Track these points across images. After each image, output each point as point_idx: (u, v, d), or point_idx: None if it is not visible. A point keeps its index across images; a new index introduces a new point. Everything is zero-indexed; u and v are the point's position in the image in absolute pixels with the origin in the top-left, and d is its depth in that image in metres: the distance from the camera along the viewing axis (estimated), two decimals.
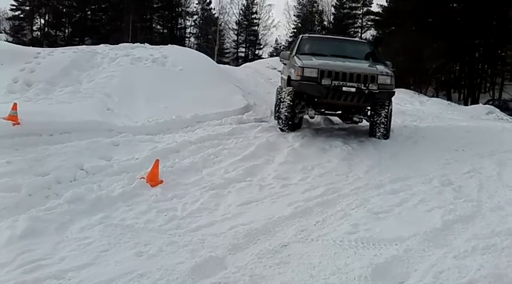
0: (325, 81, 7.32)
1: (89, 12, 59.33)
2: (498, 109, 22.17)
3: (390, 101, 7.97)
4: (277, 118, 8.08)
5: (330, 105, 8.08)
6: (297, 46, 9.26)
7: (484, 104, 24.81)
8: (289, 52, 9.44)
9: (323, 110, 8.40)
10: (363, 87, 7.27)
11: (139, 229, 4.26)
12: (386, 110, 7.87)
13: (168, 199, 5.04)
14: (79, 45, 14.38)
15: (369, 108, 8.13)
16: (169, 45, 13.41)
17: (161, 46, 13.29)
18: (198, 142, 6.95)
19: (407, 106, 21.41)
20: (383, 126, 7.84)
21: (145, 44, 13.70)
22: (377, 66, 7.86)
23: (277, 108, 8.04)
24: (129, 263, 3.62)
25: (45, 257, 3.66)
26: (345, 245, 3.90)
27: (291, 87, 7.93)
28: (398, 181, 5.66)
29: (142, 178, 5.40)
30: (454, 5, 36.36)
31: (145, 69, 10.79)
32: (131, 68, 10.69)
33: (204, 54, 13.59)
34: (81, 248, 3.85)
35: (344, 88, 7.28)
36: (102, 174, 5.57)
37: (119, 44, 13.40)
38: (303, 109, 8.12)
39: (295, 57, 8.37)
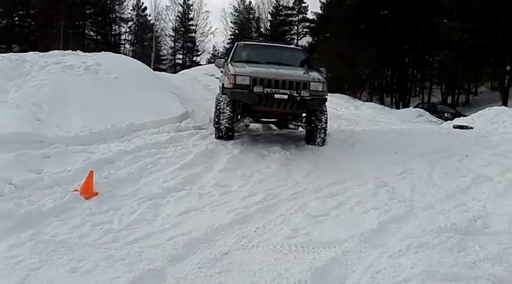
0: (257, 89, 7.32)
1: (16, 18, 56.55)
2: (427, 112, 23.30)
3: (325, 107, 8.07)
4: (217, 128, 7.97)
5: (265, 113, 8.05)
6: (232, 53, 9.25)
7: (415, 107, 25.97)
8: (223, 59, 9.41)
9: (259, 118, 8.37)
10: (295, 94, 7.29)
11: (72, 244, 4.07)
12: (326, 116, 8.01)
13: (104, 211, 4.86)
14: (6, 52, 13.61)
15: (304, 114, 8.22)
16: (102, 52, 13.01)
17: (94, 53, 12.87)
18: (135, 151, 6.78)
19: (343, 110, 22.10)
20: (323, 131, 7.94)
21: (78, 51, 13.22)
22: (310, 73, 7.90)
23: (216, 118, 7.92)
24: (63, 281, 3.45)
25: None
26: (285, 250, 3.92)
27: (227, 97, 7.86)
28: (335, 185, 5.77)
29: (76, 190, 5.18)
30: (385, 12, 37.87)
31: (77, 77, 10.39)
32: (62, 76, 10.26)
33: (139, 61, 13.31)
34: (9, 267, 3.62)
35: (276, 96, 7.29)
36: (32, 188, 5.29)
37: (49, 51, 12.84)
38: (239, 118, 8.12)
39: (229, 64, 8.30)
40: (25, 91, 9.16)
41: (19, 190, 5.22)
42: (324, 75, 8.15)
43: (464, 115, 20.83)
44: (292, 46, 10.47)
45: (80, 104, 9.13)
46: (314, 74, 7.83)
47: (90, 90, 9.80)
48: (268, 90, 7.30)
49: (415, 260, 3.41)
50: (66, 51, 12.79)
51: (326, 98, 7.70)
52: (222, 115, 7.82)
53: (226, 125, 7.84)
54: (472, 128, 13.20)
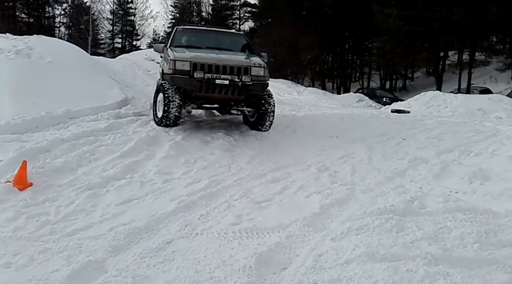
0: (198, 74, 7.22)
1: None
2: (367, 97, 23.95)
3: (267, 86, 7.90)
4: (165, 117, 7.62)
5: (207, 99, 7.90)
6: (171, 38, 9.00)
7: (355, 93, 26.61)
8: (163, 44, 9.12)
9: (201, 104, 8.19)
10: (236, 79, 7.24)
11: (6, 238, 3.87)
12: (273, 99, 8.03)
13: (40, 203, 4.64)
14: None
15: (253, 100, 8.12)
16: (35, 35, 12.34)
17: (26, 36, 12.18)
18: (72, 139, 6.49)
19: (286, 96, 22.26)
20: (272, 115, 7.94)
21: (7, 34, 12.49)
22: (251, 58, 7.84)
23: (166, 106, 7.58)
24: None
25: None
26: (229, 237, 3.90)
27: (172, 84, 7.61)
28: (278, 170, 5.81)
29: (8, 181, 4.91)
30: None
31: (7, 62, 9.79)
32: None
33: (75, 45, 12.75)
34: None
35: (217, 81, 7.22)
36: None
37: None
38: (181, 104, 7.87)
39: (169, 49, 8.10)
40: None
41: None
42: (265, 60, 8.14)
43: (401, 100, 21.60)
44: (233, 31, 10.34)
45: (11, 90, 8.63)
46: (255, 59, 7.78)
47: (22, 76, 9.28)
48: (209, 75, 7.20)
49: (356, 242, 3.49)
50: None
51: (267, 83, 7.69)
52: (171, 103, 7.54)
53: (176, 114, 7.60)
54: (409, 112, 13.71)
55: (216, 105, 8.38)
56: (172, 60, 7.42)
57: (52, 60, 10.39)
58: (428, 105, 15.62)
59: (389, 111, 14.37)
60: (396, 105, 16.83)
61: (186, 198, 4.76)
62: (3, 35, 12.16)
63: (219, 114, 9.22)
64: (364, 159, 6.33)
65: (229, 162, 6.17)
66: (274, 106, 8.02)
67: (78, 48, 12.53)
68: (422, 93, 17.28)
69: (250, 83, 7.33)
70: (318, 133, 7.94)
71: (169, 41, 8.88)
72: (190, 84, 7.31)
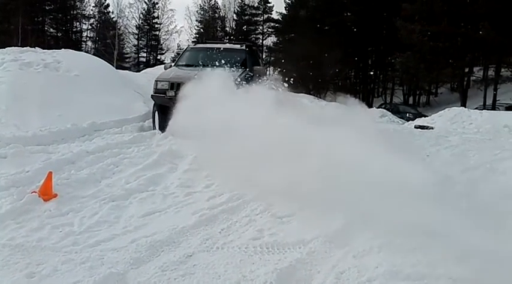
0: (169, 93, 8.37)
1: None
2: (390, 113, 23.74)
3: None
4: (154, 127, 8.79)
5: None
6: (179, 57, 10.18)
7: (378, 108, 26.43)
8: (170, 64, 10.46)
9: None
10: None
11: (30, 248, 3.93)
12: None
13: (64, 213, 4.71)
14: None
15: None
16: (62, 49, 12.65)
17: (54, 50, 12.50)
18: (96, 151, 6.60)
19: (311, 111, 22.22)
20: None
21: (36, 48, 12.82)
22: (232, 74, 8.43)
23: (153, 119, 9.03)
24: None
25: None
26: (250, 252, 3.89)
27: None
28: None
29: (34, 192, 5.00)
30: (348, 14, 38.39)
31: (36, 75, 10.10)
32: (20, 73, 9.94)
33: (101, 59, 13.03)
34: None
35: None
36: None
37: (6, 48, 12.40)
38: None
39: (169, 68, 9.36)
40: None
41: None
42: (258, 74, 8.94)
43: (425, 116, 21.33)
44: (237, 47, 10.56)
45: (39, 103, 8.87)
46: (234, 75, 8.38)
47: (49, 88, 9.54)
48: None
49: (379, 260, 3.44)
50: (24, 48, 12.37)
51: None
52: (156, 117, 8.81)
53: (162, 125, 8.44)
54: (432, 128, 13.54)
55: None
56: (155, 80, 8.74)
57: (79, 74, 10.65)
58: (453, 121, 15.39)
59: (413, 127, 14.22)
60: (420, 121, 16.62)
61: (208, 211, 4.76)
62: (33, 49, 12.47)
63: None
64: None
65: (249, 177, 6.13)
66: None
67: (104, 62, 12.82)
68: (446, 109, 17.05)
69: None
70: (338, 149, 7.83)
71: (176, 60, 10.12)
72: (165, 101, 8.35)
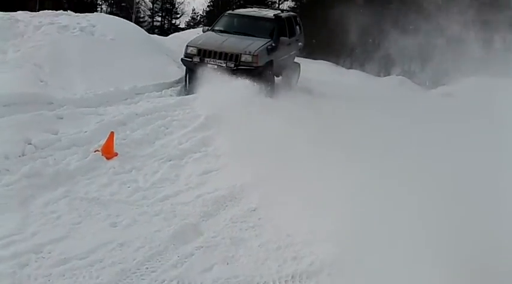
0: (195, 59, 9.03)
1: None
2: (409, 80, 23.66)
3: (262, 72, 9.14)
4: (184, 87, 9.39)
5: None
6: (216, 21, 10.78)
7: (397, 75, 26.27)
8: (207, 27, 10.88)
9: None
10: (222, 64, 8.83)
11: (105, 201, 4.30)
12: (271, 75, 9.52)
13: (127, 171, 5.05)
14: None
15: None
16: (95, 13, 12.83)
17: (86, 14, 12.66)
18: (145, 114, 6.86)
19: (328, 77, 22.26)
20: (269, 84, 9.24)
21: (69, 11, 13.01)
22: (254, 44, 9.14)
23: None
24: (106, 234, 3.69)
25: (17, 232, 3.62)
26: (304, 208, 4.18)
27: None
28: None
29: (97, 151, 5.34)
30: None
31: (74, 39, 10.25)
32: (59, 37, 10.10)
33: (133, 23, 13.20)
34: (51, 222, 3.85)
35: (208, 65, 8.87)
36: (51, 148, 5.39)
37: (40, 11, 12.62)
38: None
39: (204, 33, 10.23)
40: (24, 52, 9.05)
41: (39, 150, 5.32)
42: (273, 45, 9.56)
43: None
44: (269, 15, 10.74)
45: (79, 66, 9.08)
46: (253, 47, 9.07)
47: (88, 52, 9.72)
48: (204, 59, 8.95)
49: None
50: (58, 11, 12.55)
51: (255, 67, 8.94)
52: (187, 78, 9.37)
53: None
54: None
55: None
56: (186, 45, 9.36)
57: (114, 38, 10.80)
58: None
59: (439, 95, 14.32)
60: (440, 89, 16.68)
61: (263, 171, 5.04)
62: (66, 12, 12.65)
63: None
64: None
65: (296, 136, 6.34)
66: (270, 82, 9.31)
67: (136, 26, 12.98)
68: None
69: (234, 68, 8.78)
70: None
71: (213, 24, 10.70)
72: (190, 65, 9.09)
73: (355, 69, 34.36)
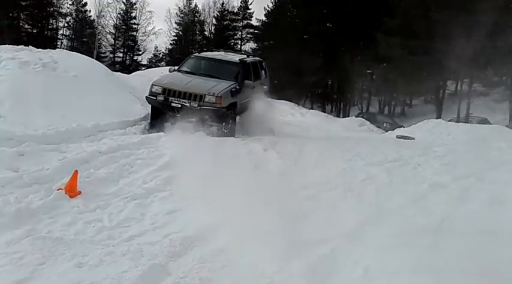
0: (159, 98, 9.28)
1: None
2: (368, 122, 24.44)
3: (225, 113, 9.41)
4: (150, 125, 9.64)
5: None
6: (183, 62, 11.12)
7: (356, 117, 27.13)
8: (174, 67, 11.30)
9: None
10: (186, 104, 9.11)
11: (70, 240, 4.20)
12: (232, 118, 9.75)
13: (91, 210, 4.97)
14: None
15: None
16: (57, 49, 12.75)
17: (48, 50, 12.59)
18: (109, 152, 6.82)
19: (289, 117, 22.67)
20: (230, 128, 9.55)
21: (30, 46, 12.88)
22: (218, 86, 9.46)
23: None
24: (72, 274, 3.61)
25: None
26: (274, 249, 4.20)
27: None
28: (308, 188, 6.13)
29: (60, 189, 5.24)
30: (329, 25, 39.13)
31: (35, 74, 10.15)
32: (20, 72, 9.99)
33: (95, 60, 13.17)
34: (14, 262, 3.72)
35: (172, 104, 9.21)
36: (12, 186, 5.28)
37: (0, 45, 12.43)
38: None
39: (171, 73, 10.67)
40: None
41: (0, 188, 5.20)
42: (237, 87, 9.84)
43: (401, 126, 22.12)
44: (235, 59, 11.06)
45: (41, 102, 8.99)
46: (217, 88, 9.37)
47: (50, 88, 9.65)
48: (169, 98, 9.22)
49: (399, 256, 3.84)
50: (19, 47, 12.41)
51: (218, 108, 9.21)
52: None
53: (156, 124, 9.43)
54: (413, 138, 14.13)
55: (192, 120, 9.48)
56: (152, 84, 9.66)
57: (76, 75, 10.78)
58: (432, 132, 16.03)
59: (395, 137, 14.80)
60: (400, 131, 17.26)
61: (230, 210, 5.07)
62: (27, 47, 12.52)
63: None
64: (386, 182, 6.69)
65: (259, 180, 6.48)
66: (231, 122, 9.63)
67: (99, 63, 12.96)
68: (425, 121, 17.79)
69: (198, 108, 9.08)
70: (336, 156, 8.25)
71: (180, 65, 10.99)
72: (154, 103, 9.40)
73: (315, 109, 35.36)
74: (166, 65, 42.74)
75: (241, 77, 10.36)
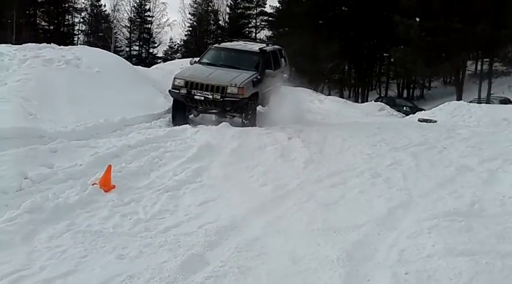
0: (182, 90, 9.32)
1: None
2: (388, 106, 24.27)
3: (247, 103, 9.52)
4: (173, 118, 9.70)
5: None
6: (203, 54, 11.17)
7: (375, 101, 26.95)
8: (195, 59, 11.32)
9: (200, 111, 10.04)
10: (209, 96, 9.21)
11: (109, 234, 4.33)
12: (253, 108, 9.83)
13: (126, 203, 5.09)
14: None
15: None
16: (80, 45, 12.96)
17: (71, 47, 12.82)
18: (138, 145, 6.97)
19: (308, 104, 22.65)
20: (250, 117, 9.64)
21: (52, 44, 13.10)
22: (240, 76, 9.55)
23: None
24: (114, 266, 3.73)
25: (24, 268, 3.63)
26: (307, 236, 4.31)
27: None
28: (334, 175, 6.19)
29: (95, 184, 5.39)
30: (344, 9, 38.77)
31: (60, 71, 10.39)
32: (45, 70, 10.23)
33: (117, 55, 13.34)
34: (57, 256, 3.86)
35: (195, 97, 9.29)
36: (48, 182, 5.46)
37: (23, 44, 12.67)
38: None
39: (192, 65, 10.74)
40: (11, 85, 9.13)
41: (36, 184, 5.37)
42: (259, 77, 9.93)
43: (422, 109, 21.88)
44: (255, 49, 11.12)
45: (67, 99, 9.20)
46: (238, 79, 9.45)
47: (74, 85, 9.86)
48: (191, 91, 9.29)
49: (432, 239, 3.90)
50: (42, 45, 12.65)
51: (240, 99, 9.34)
52: (174, 110, 9.74)
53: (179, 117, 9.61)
54: (435, 122, 14.02)
55: (214, 112, 9.95)
56: (174, 77, 9.73)
57: (100, 70, 10.97)
58: (453, 115, 15.83)
59: (416, 120, 14.69)
60: (421, 114, 17.11)
61: (260, 199, 5.19)
62: (49, 45, 12.75)
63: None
64: (412, 166, 6.69)
65: (286, 168, 6.56)
66: (253, 112, 9.76)
67: (120, 58, 13.12)
68: (446, 103, 17.56)
69: (220, 100, 9.23)
70: (361, 142, 8.25)
71: (200, 57, 11.05)
72: (177, 96, 9.42)
73: (333, 95, 35.21)
74: (182, 57, 43.04)
75: (262, 67, 10.41)
